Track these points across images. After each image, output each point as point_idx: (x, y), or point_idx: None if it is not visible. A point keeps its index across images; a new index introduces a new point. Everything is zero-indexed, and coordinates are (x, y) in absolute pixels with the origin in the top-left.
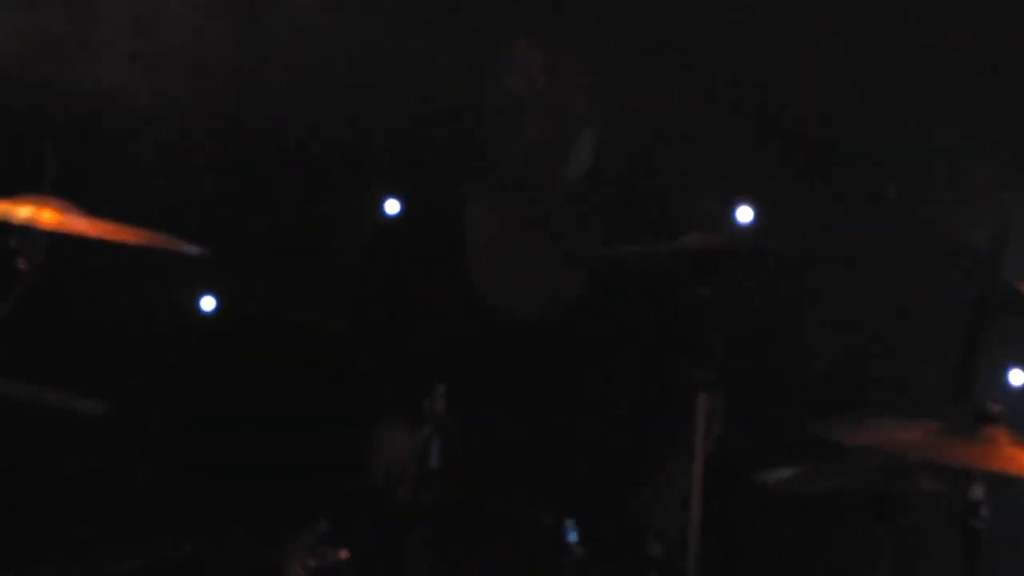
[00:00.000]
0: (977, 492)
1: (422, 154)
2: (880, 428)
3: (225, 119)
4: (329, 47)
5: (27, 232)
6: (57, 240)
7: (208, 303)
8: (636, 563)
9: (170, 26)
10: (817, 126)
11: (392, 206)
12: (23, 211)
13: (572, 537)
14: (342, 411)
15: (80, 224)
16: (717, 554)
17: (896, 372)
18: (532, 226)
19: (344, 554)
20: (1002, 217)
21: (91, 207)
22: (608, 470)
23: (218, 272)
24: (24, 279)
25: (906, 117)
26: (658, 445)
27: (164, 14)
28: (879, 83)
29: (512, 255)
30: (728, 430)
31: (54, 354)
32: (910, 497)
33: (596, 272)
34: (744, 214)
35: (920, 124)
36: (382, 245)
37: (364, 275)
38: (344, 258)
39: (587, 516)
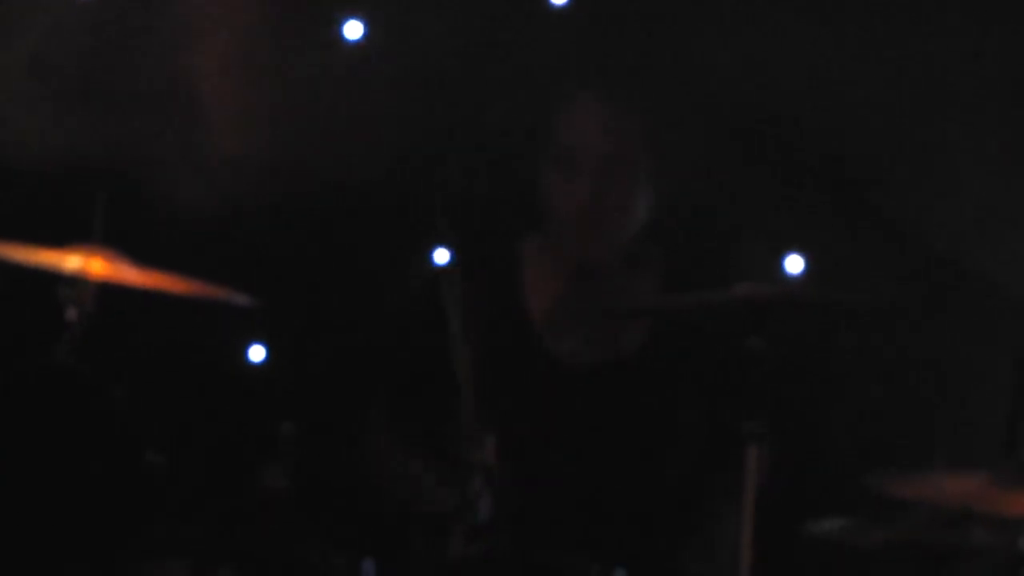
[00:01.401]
0: None
1: (473, 204)
2: (931, 480)
3: (272, 167)
4: (380, 93)
5: (77, 282)
6: (107, 290)
7: (257, 353)
8: None
9: (213, 74)
10: (866, 177)
11: (441, 255)
12: (73, 261)
13: None
14: None
15: (130, 274)
16: None
17: (947, 424)
18: (588, 278)
19: None
20: None
21: (140, 257)
22: (659, 520)
23: (267, 323)
24: (73, 329)
25: (954, 169)
26: (709, 496)
27: (207, 63)
28: (929, 138)
29: (570, 306)
30: (774, 481)
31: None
32: (961, 550)
33: (653, 323)
34: (794, 264)
35: (968, 176)
36: (431, 294)
37: (413, 323)
38: (393, 307)
39: (637, 566)
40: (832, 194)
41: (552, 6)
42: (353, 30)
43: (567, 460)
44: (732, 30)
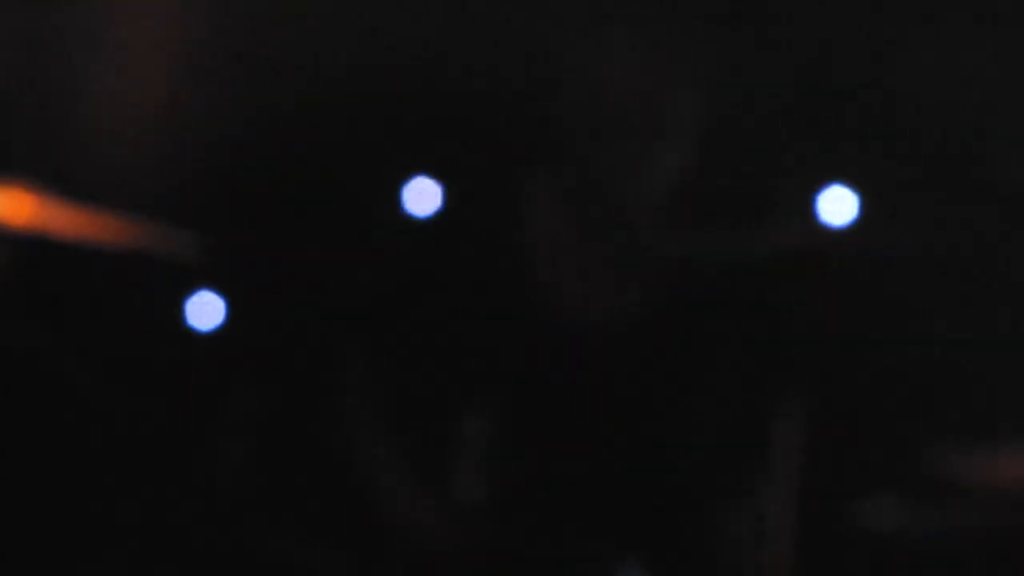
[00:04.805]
0: None
1: (466, 135)
2: (1008, 460)
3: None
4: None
5: None
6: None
7: (208, 311)
8: None
9: None
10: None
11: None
12: None
13: None
14: None
15: (61, 217)
16: None
17: (1021, 391)
18: (609, 225)
19: None
20: None
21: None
22: (679, 503)
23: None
24: None
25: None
26: (737, 476)
27: None
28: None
29: (579, 256)
30: (826, 461)
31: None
32: None
33: (672, 276)
34: (835, 201)
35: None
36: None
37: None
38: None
39: (655, 554)
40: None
41: None
42: None
43: (572, 434)
44: None
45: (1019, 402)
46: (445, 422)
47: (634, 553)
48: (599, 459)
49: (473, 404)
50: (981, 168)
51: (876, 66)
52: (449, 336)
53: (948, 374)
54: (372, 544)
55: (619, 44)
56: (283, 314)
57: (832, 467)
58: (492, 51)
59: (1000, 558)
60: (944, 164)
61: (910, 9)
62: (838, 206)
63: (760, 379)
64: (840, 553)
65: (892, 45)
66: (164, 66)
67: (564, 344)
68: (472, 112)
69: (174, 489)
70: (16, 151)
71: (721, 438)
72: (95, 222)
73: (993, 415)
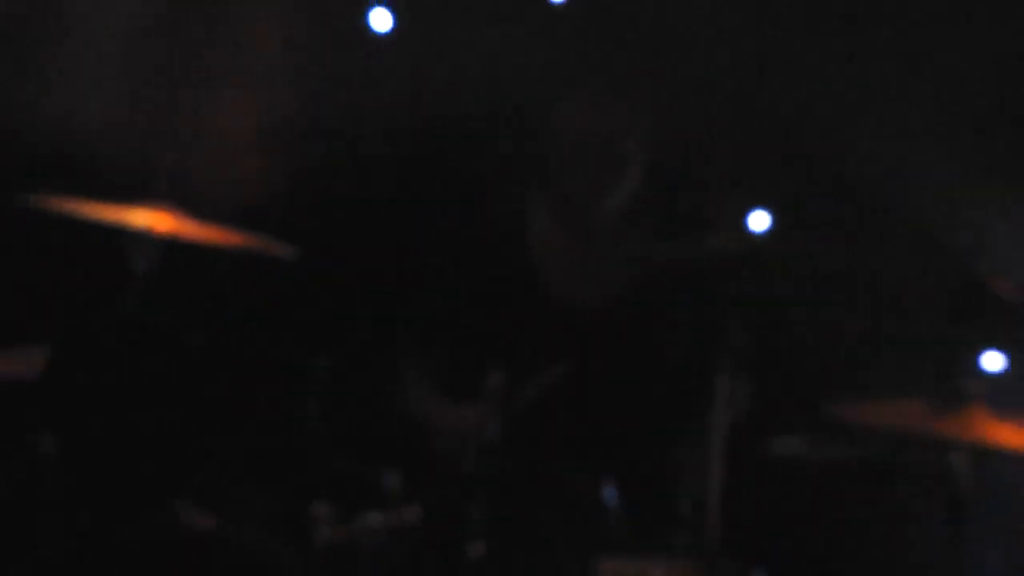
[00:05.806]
0: (959, 462)
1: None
2: (879, 406)
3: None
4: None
5: (143, 238)
6: (172, 246)
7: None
8: (667, 521)
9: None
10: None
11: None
12: (140, 217)
13: (611, 497)
14: None
15: (192, 229)
16: (735, 517)
17: (890, 358)
18: (588, 231)
19: (415, 511)
20: (978, 228)
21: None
22: (646, 438)
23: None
24: (136, 282)
25: (897, 136)
26: (688, 417)
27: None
28: (885, 112)
29: (572, 254)
30: (751, 408)
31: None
32: (904, 467)
33: (643, 268)
34: (759, 220)
35: (910, 145)
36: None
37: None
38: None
39: (627, 477)
40: (794, 162)
41: (552, 4)
42: (381, 21)
43: (565, 389)
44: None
45: (891, 367)
46: (473, 379)
47: (611, 477)
48: (584, 407)
49: (493, 365)
50: (873, 196)
51: (790, 111)
52: (477, 315)
53: (843, 345)
54: (420, 465)
55: (590, 102)
56: (353, 305)
57: (757, 412)
58: (501, 107)
59: (877, 480)
60: (843, 193)
61: (829, 62)
62: (760, 219)
63: (706, 345)
64: (761, 475)
65: (808, 94)
66: (278, 108)
67: (559, 320)
68: (486, 152)
69: (276, 426)
70: (159, 179)
71: (676, 390)
72: (215, 232)
73: (873, 376)
